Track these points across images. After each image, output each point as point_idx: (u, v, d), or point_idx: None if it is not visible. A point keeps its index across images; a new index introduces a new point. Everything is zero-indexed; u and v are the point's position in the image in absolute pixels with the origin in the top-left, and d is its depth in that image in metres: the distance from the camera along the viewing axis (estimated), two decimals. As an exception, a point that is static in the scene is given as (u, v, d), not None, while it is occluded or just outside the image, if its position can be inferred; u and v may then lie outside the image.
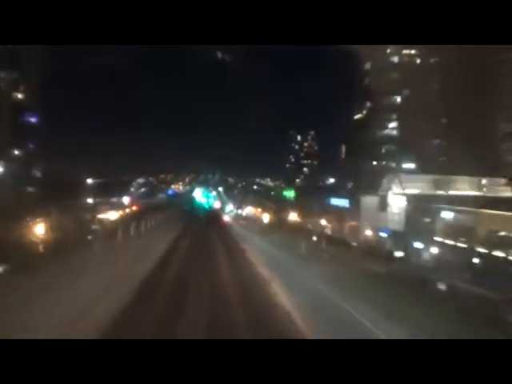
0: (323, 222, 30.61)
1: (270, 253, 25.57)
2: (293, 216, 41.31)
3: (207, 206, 74.33)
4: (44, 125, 41.73)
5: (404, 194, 24.42)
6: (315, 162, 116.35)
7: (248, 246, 28.81)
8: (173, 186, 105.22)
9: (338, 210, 32.56)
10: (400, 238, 23.25)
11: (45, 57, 37.11)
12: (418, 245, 21.72)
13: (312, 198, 43.05)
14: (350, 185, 53.45)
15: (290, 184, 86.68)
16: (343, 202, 33.38)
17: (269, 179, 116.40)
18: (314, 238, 28.79)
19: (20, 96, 40.07)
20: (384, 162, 47.96)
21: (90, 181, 45.34)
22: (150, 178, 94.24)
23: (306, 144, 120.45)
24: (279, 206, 47.55)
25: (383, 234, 26.19)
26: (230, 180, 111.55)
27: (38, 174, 39.51)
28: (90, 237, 27.01)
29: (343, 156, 71.59)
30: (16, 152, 40.10)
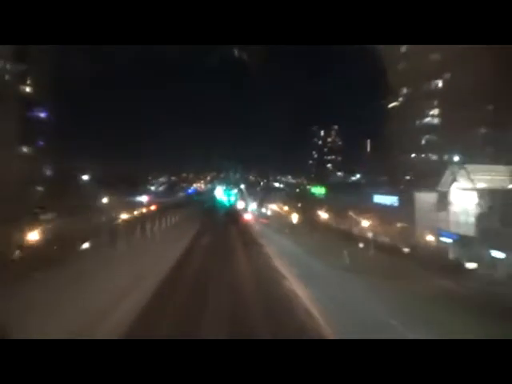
0: (364, 222, 26.35)
1: (303, 261, 21.84)
2: (324, 215, 37.33)
3: (228, 204, 70.92)
4: (55, 120, 39.22)
5: (475, 189, 19.76)
6: (339, 158, 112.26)
7: (275, 250, 24.87)
8: (194, 185, 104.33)
9: (382, 208, 27.84)
10: (471, 244, 18.78)
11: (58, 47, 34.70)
12: (497, 254, 17.24)
13: (346, 195, 38.34)
14: (379, 180, 49.80)
15: (314, 181, 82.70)
16: (390, 200, 28.34)
17: (290, 176, 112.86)
18: (358, 244, 24.43)
19: (28, 89, 37.68)
20: (423, 155, 43.36)
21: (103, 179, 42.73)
22: (172, 177, 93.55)
23: (329, 139, 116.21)
24: (307, 204, 43.42)
25: (446, 239, 21.55)
26: (251, 178, 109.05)
27: (47, 172, 36.75)
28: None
29: (368, 151, 68.16)
30: (24, 149, 37.67)
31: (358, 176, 79.74)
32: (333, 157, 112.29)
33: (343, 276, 17.38)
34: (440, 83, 43.09)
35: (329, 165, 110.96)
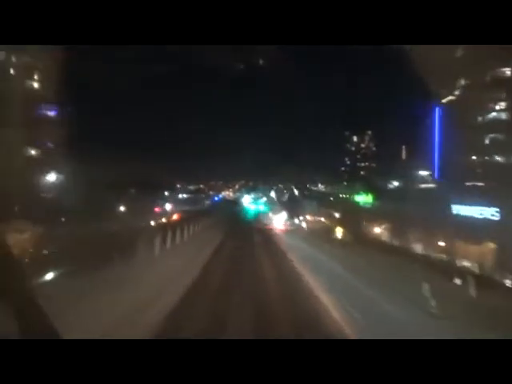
0: (440, 242, 19.25)
1: (364, 299, 14.85)
2: (378, 229, 31.29)
3: (257, 213, 65.49)
4: (67, 119, 35.31)
5: None
6: (373, 164, 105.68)
7: (319, 278, 17.83)
8: (222, 193, 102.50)
9: (465, 223, 21.26)
10: None
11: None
12: None
13: (405, 204, 30.48)
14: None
15: (347, 188, 76.67)
16: (486, 212, 21.44)
17: (320, 184, 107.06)
18: (443, 274, 16.83)
19: (36, 85, 34.15)
20: (487, 157, 36.66)
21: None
22: (201, 185, 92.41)
23: (362, 145, 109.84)
24: (352, 214, 36.99)
25: None
26: (280, 186, 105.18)
27: (52, 177, 32.73)
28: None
29: (404, 157, 64.17)
30: (32, 152, 34.00)
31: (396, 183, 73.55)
32: (366, 163, 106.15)
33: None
34: (508, 71, 36.69)
35: (362, 172, 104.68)
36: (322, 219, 42.78)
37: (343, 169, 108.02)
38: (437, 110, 43.94)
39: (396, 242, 28.73)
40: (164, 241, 21.92)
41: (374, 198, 41.81)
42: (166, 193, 55.84)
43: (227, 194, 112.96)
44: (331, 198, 58.50)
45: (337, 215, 38.87)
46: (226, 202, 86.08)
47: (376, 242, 29.04)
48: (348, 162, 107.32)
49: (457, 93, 39.39)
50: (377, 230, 31.76)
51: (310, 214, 47.94)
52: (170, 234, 23.61)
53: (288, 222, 46.96)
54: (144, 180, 47.68)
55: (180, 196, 59.15)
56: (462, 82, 38.71)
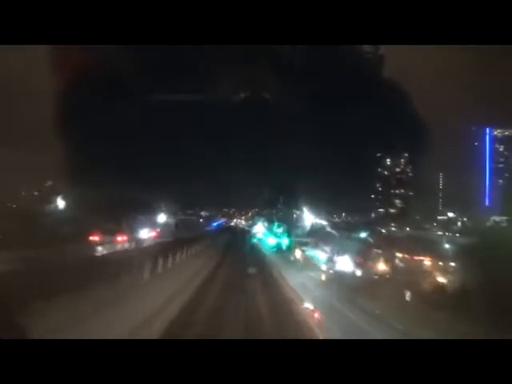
0: None
1: None
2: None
3: (274, 248, 47.75)
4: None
5: None
6: (410, 192, 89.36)
7: None
8: (235, 220, 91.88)
9: None
10: None
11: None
12: None
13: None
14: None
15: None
16: None
17: (345, 214, 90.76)
18: None
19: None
20: None
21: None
22: (213, 211, 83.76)
23: (397, 169, 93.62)
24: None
25: None
26: (290, 215, 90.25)
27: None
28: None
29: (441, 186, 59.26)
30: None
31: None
32: (401, 190, 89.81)
33: None
34: None
35: (397, 200, 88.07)
36: (401, 264, 26.05)
37: (373, 196, 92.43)
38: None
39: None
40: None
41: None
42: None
43: (239, 221, 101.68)
44: (382, 231, 42.38)
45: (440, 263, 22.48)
46: (229, 229, 68.75)
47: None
48: (380, 189, 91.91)
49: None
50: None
51: (360, 254, 31.74)
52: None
53: (330, 268, 29.59)
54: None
55: (162, 220, 42.83)
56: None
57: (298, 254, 36.26)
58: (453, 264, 25.84)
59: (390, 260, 28.78)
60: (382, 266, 26.09)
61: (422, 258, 26.52)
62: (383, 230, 43.54)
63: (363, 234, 40.92)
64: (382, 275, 24.98)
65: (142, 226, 36.43)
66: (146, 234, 35.56)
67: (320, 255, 32.45)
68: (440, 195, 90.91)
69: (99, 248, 25.67)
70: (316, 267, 30.61)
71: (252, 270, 27.74)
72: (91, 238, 27.89)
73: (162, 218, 40.17)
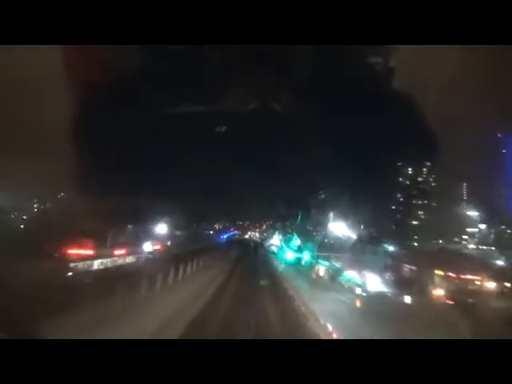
0: None
1: None
2: None
3: (292, 263, 41.95)
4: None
5: None
6: (434, 204, 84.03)
7: None
8: (249, 233, 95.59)
9: None
10: None
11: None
12: None
13: None
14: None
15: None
16: None
17: (363, 227, 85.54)
18: None
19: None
20: None
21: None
22: (226, 224, 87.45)
23: (419, 179, 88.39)
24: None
25: None
26: (309, 227, 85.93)
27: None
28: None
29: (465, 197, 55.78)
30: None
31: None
32: (424, 201, 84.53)
33: None
34: None
35: (420, 212, 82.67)
36: (447, 284, 20.92)
37: (394, 207, 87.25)
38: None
39: None
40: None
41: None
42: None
43: (252, 234, 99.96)
44: (415, 244, 37.59)
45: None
46: (240, 242, 63.63)
47: None
48: (401, 199, 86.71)
49: None
50: None
51: (394, 272, 26.85)
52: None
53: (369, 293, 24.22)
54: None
55: (162, 232, 38.54)
56: None
57: (321, 271, 31.44)
58: (508, 285, 21.32)
59: (431, 279, 24.21)
60: (437, 290, 21.34)
61: (471, 276, 21.99)
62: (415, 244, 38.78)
63: (391, 248, 36.31)
64: (437, 300, 20.37)
65: (145, 238, 32.66)
66: (149, 247, 31.76)
67: (349, 273, 27.74)
68: (465, 206, 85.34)
69: (79, 265, 21.74)
70: (344, 288, 26.03)
71: (266, 294, 22.03)
72: (73, 251, 23.91)
73: (162, 229, 36.21)
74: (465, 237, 67.28)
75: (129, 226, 31.12)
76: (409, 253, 34.08)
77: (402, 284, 25.83)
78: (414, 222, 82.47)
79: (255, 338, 12.79)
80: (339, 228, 59.77)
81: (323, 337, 13.26)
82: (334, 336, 12.98)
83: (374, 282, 26.51)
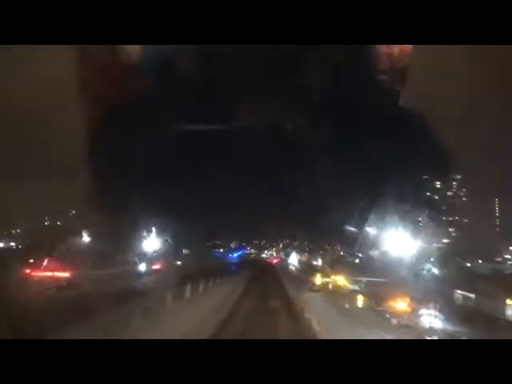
0: None
1: None
2: None
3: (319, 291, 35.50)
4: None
5: None
6: (465, 220, 76.95)
7: None
8: (266, 252, 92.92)
9: None
10: None
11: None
12: None
13: None
14: None
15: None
16: None
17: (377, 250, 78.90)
18: None
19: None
20: None
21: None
22: (243, 243, 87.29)
23: (449, 193, 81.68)
24: None
25: None
26: (327, 247, 79.54)
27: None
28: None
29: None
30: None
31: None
32: (455, 217, 77.65)
33: None
34: None
35: (450, 229, 75.55)
36: None
37: (421, 224, 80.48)
38: None
39: None
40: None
41: None
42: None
43: (271, 253, 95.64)
44: (468, 264, 31.52)
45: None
46: (251, 264, 56.69)
47: None
48: (429, 215, 79.94)
49: None
50: None
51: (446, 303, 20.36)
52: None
53: None
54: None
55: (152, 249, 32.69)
56: None
57: (359, 300, 25.27)
58: None
59: (502, 310, 18.17)
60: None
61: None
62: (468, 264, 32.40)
63: (431, 268, 30.45)
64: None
65: (143, 257, 27.64)
66: (145, 266, 26.69)
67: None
68: (497, 223, 78.35)
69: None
70: (386, 320, 20.11)
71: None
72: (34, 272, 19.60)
73: (153, 245, 30.83)
74: (507, 256, 60.17)
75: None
76: (458, 275, 27.96)
77: (461, 318, 19.80)
78: (445, 240, 74.90)
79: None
80: (359, 249, 53.01)
81: None
82: None
83: (425, 316, 20.56)
